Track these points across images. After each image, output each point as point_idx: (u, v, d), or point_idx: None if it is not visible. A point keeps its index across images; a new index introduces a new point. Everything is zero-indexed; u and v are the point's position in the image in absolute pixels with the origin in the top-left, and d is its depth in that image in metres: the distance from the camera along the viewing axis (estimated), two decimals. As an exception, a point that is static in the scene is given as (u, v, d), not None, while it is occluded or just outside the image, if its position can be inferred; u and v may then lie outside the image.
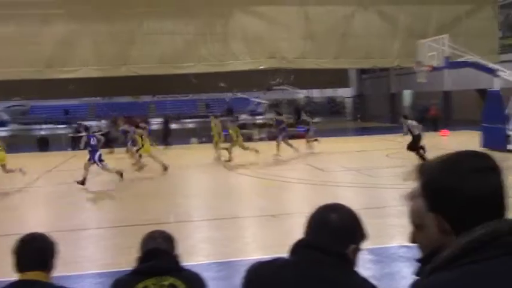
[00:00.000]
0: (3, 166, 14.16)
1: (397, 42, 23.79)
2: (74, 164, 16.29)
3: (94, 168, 13.85)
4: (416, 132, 14.91)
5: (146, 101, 48.82)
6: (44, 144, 26.47)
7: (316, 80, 36.50)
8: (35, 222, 9.73)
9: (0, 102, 51.20)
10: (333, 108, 51.19)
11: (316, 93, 50.59)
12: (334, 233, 1.76)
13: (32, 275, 2.34)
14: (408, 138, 15.25)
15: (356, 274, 1.76)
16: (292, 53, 23.69)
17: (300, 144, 19.14)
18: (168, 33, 22.89)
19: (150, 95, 46.04)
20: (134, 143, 16.38)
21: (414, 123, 15.31)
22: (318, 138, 20.55)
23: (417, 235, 1.28)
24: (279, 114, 20.98)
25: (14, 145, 25.96)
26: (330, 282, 1.70)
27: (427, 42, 19.39)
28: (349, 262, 1.76)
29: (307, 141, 19.94)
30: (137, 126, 16.67)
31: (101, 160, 13.83)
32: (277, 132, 19.11)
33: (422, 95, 32.56)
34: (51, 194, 13.36)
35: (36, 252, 2.40)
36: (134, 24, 22.65)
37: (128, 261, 6.25)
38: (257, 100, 46.03)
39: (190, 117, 47.01)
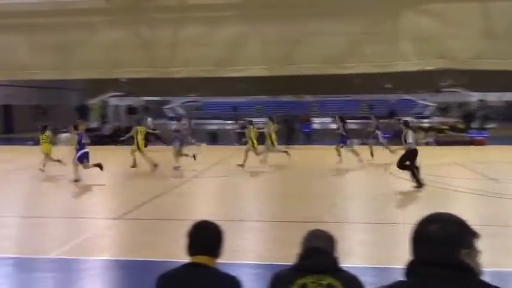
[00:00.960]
0: (48, 156, 16.03)
1: None
2: (239, 157, 17.08)
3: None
4: None
5: (308, 101, 49.50)
6: (213, 138, 28.35)
7: (494, 83, 33.57)
8: (202, 210, 10.47)
9: (178, 97, 56.22)
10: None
11: (492, 97, 46.54)
12: (439, 244, 1.70)
13: (201, 259, 2.51)
14: None
15: (481, 283, 1.67)
16: (466, 53, 22.03)
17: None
18: (332, 33, 22.94)
19: (313, 94, 46.57)
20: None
21: None
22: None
23: None
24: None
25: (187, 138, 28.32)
26: None
27: None
28: (469, 269, 1.67)
29: None
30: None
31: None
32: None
33: None
34: (217, 185, 14.28)
35: (207, 238, 2.57)
36: (300, 25, 23.13)
37: (284, 256, 6.42)
38: (424, 102, 43.83)
39: (352, 118, 46.46)
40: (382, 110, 39.54)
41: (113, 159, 17.76)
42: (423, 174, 12.77)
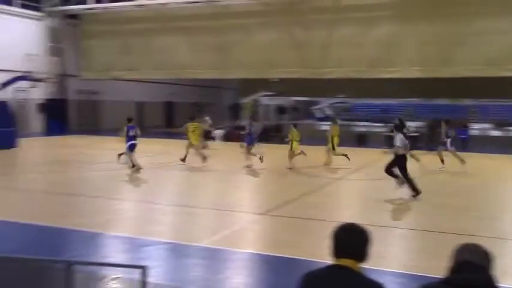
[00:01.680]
0: (197, 147, 17.12)
1: None
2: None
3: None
4: None
5: (467, 105, 46.19)
6: (362, 140, 27.88)
7: None
8: (347, 212, 10.35)
9: (327, 98, 56.23)
10: None
11: None
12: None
13: (346, 262, 2.47)
14: None
15: None
16: None
17: None
18: (497, 33, 21.16)
19: (472, 98, 43.36)
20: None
21: None
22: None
23: None
24: None
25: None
26: None
27: None
28: None
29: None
30: None
31: None
32: None
33: None
34: (364, 188, 14.03)
35: (355, 242, 2.51)
36: (461, 25, 21.70)
37: (428, 267, 6.08)
38: None
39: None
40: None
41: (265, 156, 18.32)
42: None
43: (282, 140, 27.35)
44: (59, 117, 31.20)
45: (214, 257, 7.23)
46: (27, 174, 15.58)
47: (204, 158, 16.66)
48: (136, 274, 5.58)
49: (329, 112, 61.08)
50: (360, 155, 21.40)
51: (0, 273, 6.11)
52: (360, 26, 23.71)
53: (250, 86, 40.44)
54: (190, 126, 17.39)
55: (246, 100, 42.05)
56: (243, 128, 30.64)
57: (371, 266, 2.76)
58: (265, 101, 44.27)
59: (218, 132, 28.33)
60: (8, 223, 8.88)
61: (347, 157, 17.10)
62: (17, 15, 30.19)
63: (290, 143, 16.70)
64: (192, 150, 17.29)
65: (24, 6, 30.76)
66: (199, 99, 44.46)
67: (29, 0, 31.02)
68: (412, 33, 22.94)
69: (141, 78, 32.69)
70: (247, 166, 16.34)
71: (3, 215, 9.33)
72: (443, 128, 17.51)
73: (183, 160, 17.14)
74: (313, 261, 6.60)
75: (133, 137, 15.48)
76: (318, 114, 61.23)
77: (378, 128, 35.27)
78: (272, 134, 28.62)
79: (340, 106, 60.36)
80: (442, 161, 17.15)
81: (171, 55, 28.76)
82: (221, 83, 44.03)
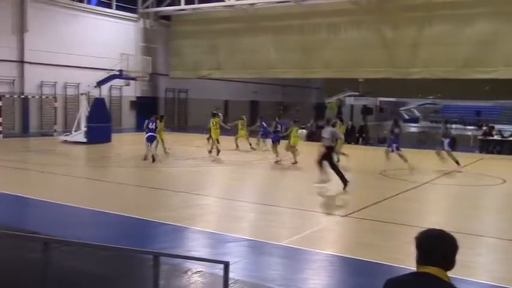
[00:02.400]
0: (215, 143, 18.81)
1: None
2: (479, 167, 15.81)
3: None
4: None
5: None
6: (452, 143, 26.61)
7: None
8: (432, 218, 9.95)
9: (414, 99, 54.36)
10: None
11: None
12: None
13: (432, 270, 2.37)
14: None
15: None
16: None
17: None
18: None
19: None
20: None
21: None
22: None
23: None
24: None
25: (422, 141, 27.26)
26: None
27: None
28: None
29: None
30: None
31: None
32: None
33: None
34: (451, 193, 13.47)
35: (443, 250, 2.40)
36: None
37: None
38: None
39: None
40: None
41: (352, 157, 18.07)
42: None
43: (367, 141, 26.83)
44: (149, 115, 32.59)
45: (294, 257, 7.24)
46: (119, 168, 16.46)
47: (218, 152, 18.69)
48: (217, 269, 5.73)
49: (417, 114, 59.16)
50: (450, 159, 20.53)
51: (95, 260, 6.53)
52: (452, 23, 22.67)
53: (335, 85, 40.05)
54: (213, 121, 19.41)
55: (330, 100, 41.70)
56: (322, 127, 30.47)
57: (455, 275, 2.64)
58: (350, 101, 43.66)
59: (301, 132, 28.32)
60: (104, 213, 9.44)
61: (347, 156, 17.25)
62: (114, 17, 31.96)
63: (289, 138, 17.51)
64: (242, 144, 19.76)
65: (119, 7, 32.50)
66: (284, 98, 44.67)
67: (125, 2, 32.73)
68: (510, 31, 21.61)
69: (226, 77, 33.39)
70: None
71: (101, 206, 9.94)
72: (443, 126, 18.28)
73: (210, 152, 19.18)
74: (394, 265, 6.45)
75: (153, 130, 16.86)
76: (405, 115, 59.45)
77: (470, 131, 33.63)
78: (357, 135, 28.16)
79: (428, 107, 58.16)
80: None
81: (256, 54, 29.13)
82: (306, 83, 43.94)
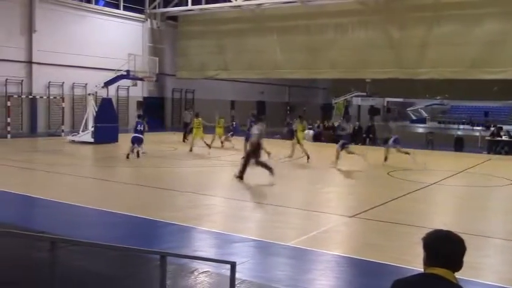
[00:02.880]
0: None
1: None
2: (487, 168, 15.73)
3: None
4: None
5: None
6: (459, 144, 26.54)
7: None
8: (439, 219, 9.90)
9: (422, 100, 54.12)
10: None
11: None
12: None
13: (440, 271, 2.35)
14: None
15: None
16: None
17: None
18: None
19: None
20: None
21: None
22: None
23: None
24: None
25: (430, 142, 27.13)
26: None
27: None
28: None
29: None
30: None
31: None
32: None
33: None
34: (458, 193, 13.38)
35: (451, 251, 2.38)
36: None
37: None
38: None
39: None
40: None
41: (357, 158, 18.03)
42: None
43: (374, 141, 26.77)
44: (156, 115, 32.70)
45: (301, 257, 7.23)
46: (126, 168, 16.51)
47: (191, 149, 20.04)
48: (224, 269, 5.73)
49: (425, 114, 58.89)
50: (456, 160, 20.46)
51: (102, 260, 6.55)
52: (460, 24, 22.54)
53: (342, 86, 39.96)
54: (196, 122, 20.87)
55: (337, 100, 41.60)
56: (332, 128, 30.41)
57: (463, 276, 2.62)
58: (357, 101, 43.55)
59: (307, 133, 28.28)
60: (111, 213, 9.46)
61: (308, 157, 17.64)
62: (121, 17, 32.07)
63: (295, 134, 18.33)
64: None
65: (126, 8, 32.61)
66: (291, 99, 44.61)
67: (132, 3, 32.83)
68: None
69: (233, 77, 33.41)
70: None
71: (108, 206, 9.97)
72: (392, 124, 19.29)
73: (209, 146, 20.15)
74: (401, 266, 6.42)
75: (140, 131, 17.59)
76: (412, 116, 59.22)
77: (478, 131, 33.44)
78: (365, 135, 28.12)
79: (436, 108, 57.89)
80: None
81: (263, 55, 29.12)
82: (313, 83, 43.86)
